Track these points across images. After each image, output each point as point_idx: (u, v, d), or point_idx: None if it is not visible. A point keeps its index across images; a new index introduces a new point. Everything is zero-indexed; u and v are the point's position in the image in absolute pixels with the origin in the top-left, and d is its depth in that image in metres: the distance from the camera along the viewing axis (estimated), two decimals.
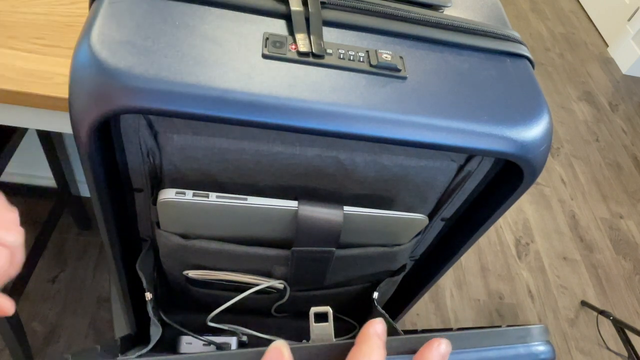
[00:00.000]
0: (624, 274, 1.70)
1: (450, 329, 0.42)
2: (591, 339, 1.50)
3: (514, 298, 1.55)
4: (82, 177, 1.36)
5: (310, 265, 0.52)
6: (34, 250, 1.20)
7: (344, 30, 0.43)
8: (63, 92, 0.60)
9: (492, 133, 0.40)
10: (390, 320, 0.52)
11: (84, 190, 1.40)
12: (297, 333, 0.70)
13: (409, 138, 0.39)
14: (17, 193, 1.35)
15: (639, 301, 1.63)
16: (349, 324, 0.72)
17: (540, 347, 0.33)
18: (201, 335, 0.60)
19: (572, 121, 2.23)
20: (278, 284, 0.55)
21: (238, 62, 0.37)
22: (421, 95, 0.40)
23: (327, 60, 0.40)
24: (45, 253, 1.28)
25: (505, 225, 1.75)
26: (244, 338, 0.63)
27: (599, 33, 2.84)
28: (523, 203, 1.83)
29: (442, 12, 0.48)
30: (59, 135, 1.20)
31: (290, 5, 0.42)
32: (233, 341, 0.62)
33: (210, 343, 0.61)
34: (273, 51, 0.39)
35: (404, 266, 0.60)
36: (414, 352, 0.30)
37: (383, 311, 0.55)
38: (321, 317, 0.34)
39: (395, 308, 0.73)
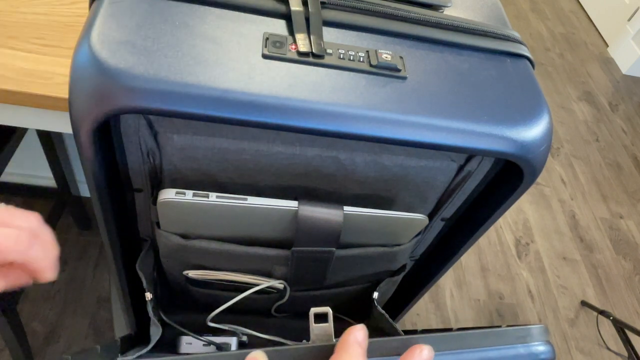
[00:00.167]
0: (624, 274, 1.70)
1: (450, 329, 0.42)
2: (591, 339, 1.50)
3: (514, 298, 1.55)
4: (82, 177, 1.36)
5: (310, 265, 0.52)
6: None
7: (344, 30, 0.43)
8: (63, 92, 0.60)
9: (492, 133, 0.40)
10: (390, 320, 0.52)
11: (84, 190, 1.40)
12: (297, 333, 0.70)
13: (409, 138, 0.39)
14: (17, 193, 1.35)
15: (639, 301, 1.63)
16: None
17: (540, 347, 0.34)
18: (201, 335, 0.60)
19: (572, 121, 2.23)
20: (278, 284, 0.55)
21: (238, 62, 0.37)
22: (421, 95, 0.40)
23: (327, 60, 0.40)
24: None
25: (505, 225, 1.75)
26: (244, 338, 0.63)
27: (599, 33, 2.84)
28: (523, 203, 1.83)
29: (442, 12, 0.48)
30: (59, 135, 1.20)
31: (290, 5, 0.42)
32: (233, 341, 0.62)
33: (210, 343, 0.61)
34: (273, 51, 0.39)
35: (404, 266, 0.60)
36: (398, 354, 0.30)
37: (383, 311, 0.55)
38: (321, 318, 0.34)
39: (395, 308, 0.73)
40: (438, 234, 0.61)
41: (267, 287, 0.55)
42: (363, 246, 0.52)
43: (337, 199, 0.49)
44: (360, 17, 0.44)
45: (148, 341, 0.51)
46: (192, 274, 0.54)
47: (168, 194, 0.43)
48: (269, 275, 0.55)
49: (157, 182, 0.47)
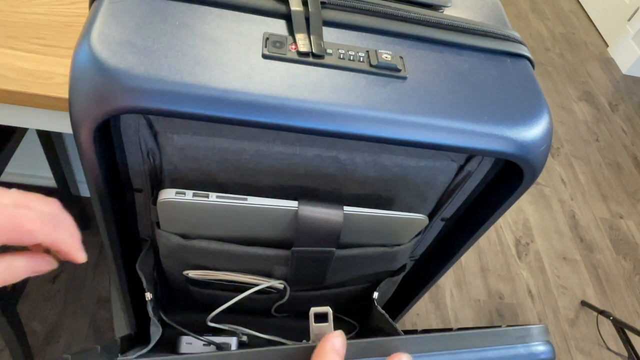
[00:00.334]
0: (624, 274, 1.70)
1: (450, 329, 0.42)
2: (591, 339, 1.50)
3: (514, 298, 1.55)
4: (82, 177, 1.36)
5: (310, 265, 0.52)
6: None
7: (344, 30, 0.43)
8: (63, 92, 0.60)
9: (492, 133, 0.40)
10: (390, 320, 0.52)
11: (84, 190, 1.40)
12: (297, 333, 0.70)
13: (409, 138, 0.39)
14: None
15: (639, 301, 1.63)
16: (349, 324, 0.72)
17: (540, 347, 0.34)
18: (201, 335, 0.60)
19: (572, 121, 2.23)
20: (278, 284, 0.55)
21: (238, 62, 0.37)
22: (421, 95, 0.40)
23: (327, 60, 0.40)
24: None
25: (505, 225, 1.75)
26: (244, 338, 0.63)
27: (599, 33, 2.84)
28: (523, 203, 1.83)
29: (442, 12, 0.48)
30: (59, 135, 1.20)
31: (290, 5, 0.42)
32: (233, 341, 0.62)
33: (210, 343, 0.60)
34: (273, 51, 0.39)
35: (404, 266, 0.60)
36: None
37: (383, 311, 0.55)
38: (321, 318, 0.34)
39: (395, 308, 0.73)
40: (438, 234, 0.61)
41: (267, 287, 0.55)
42: (363, 246, 0.52)
43: (337, 199, 0.49)
44: (360, 17, 0.44)
45: (148, 341, 0.51)
46: (192, 274, 0.54)
47: (168, 194, 0.43)
48: (269, 275, 0.55)
49: (157, 182, 0.47)
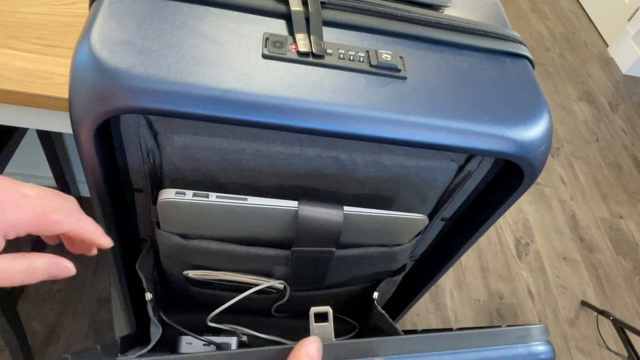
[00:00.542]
0: (624, 274, 1.70)
1: (450, 329, 0.42)
2: (591, 339, 1.50)
3: (514, 298, 1.55)
4: (82, 177, 1.36)
5: (310, 265, 0.52)
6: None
7: (344, 30, 0.43)
8: (63, 92, 0.60)
9: (492, 133, 0.40)
10: (390, 320, 0.52)
11: (84, 190, 1.40)
12: (297, 333, 0.70)
13: (409, 138, 0.39)
14: None
15: (639, 301, 1.63)
16: (349, 324, 0.72)
17: (540, 347, 0.34)
18: (201, 335, 0.60)
19: (572, 121, 2.23)
20: (278, 284, 0.55)
21: (238, 62, 0.37)
22: (421, 95, 0.40)
23: (327, 60, 0.40)
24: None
25: (505, 225, 1.75)
26: (244, 338, 0.63)
27: (599, 33, 2.84)
28: (523, 203, 1.83)
29: (442, 12, 0.48)
30: (59, 135, 1.20)
31: (290, 5, 0.42)
32: (233, 341, 0.62)
33: (210, 343, 0.60)
34: (273, 51, 0.39)
35: (404, 266, 0.60)
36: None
37: (383, 311, 0.55)
38: (321, 317, 0.34)
39: (395, 308, 0.73)
40: (438, 234, 0.61)
41: (267, 287, 0.55)
42: (363, 246, 0.52)
43: (337, 199, 0.49)
44: (360, 17, 0.44)
45: (148, 341, 0.51)
46: (192, 274, 0.54)
47: (168, 194, 0.43)
48: (269, 275, 0.55)
49: (157, 182, 0.47)
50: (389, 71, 0.40)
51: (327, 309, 0.34)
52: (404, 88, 0.40)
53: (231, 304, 0.51)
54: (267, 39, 0.39)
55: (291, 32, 0.41)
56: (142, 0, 0.39)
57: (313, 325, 0.34)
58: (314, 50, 0.39)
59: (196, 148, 0.42)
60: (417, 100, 0.40)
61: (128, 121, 0.41)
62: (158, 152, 0.43)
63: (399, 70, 0.41)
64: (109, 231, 0.47)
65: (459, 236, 0.57)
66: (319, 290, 0.60)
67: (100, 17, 0.37)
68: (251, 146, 0.43)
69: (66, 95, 0.37)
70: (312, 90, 0.37)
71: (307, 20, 0.41)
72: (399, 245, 0.53)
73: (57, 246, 0.39)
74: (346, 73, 0.40)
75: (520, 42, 0.48)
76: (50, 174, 1.26)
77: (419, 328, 1.38)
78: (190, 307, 0.65)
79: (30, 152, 1.23)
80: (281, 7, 0.42)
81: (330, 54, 0.40)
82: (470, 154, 0.46)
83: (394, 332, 0.52)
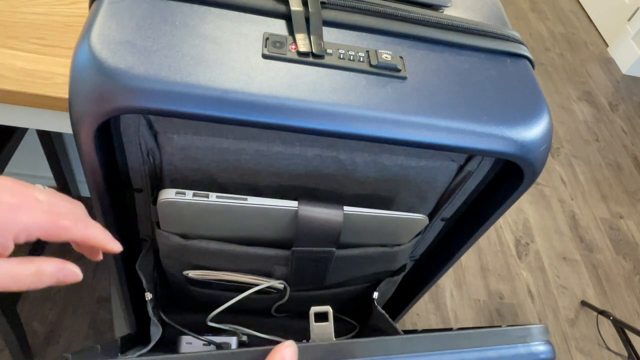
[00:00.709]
0: (624, 274, 1.70)
1: (450, 329, 0.42)
2: (591, 339, 1.50)
3: (514, 298, 1.55)
4: (82, 177, 1.36)
5: (310, 265, 0.52)
6: (34, 251, 1.20)
7: (344, 30, 0.43)
8: (63, 92, 0.60)
9: (492, 133, 0.40)
10: (390, 320, 0.52)
11: (84, 190, 1.40)
12: (297, 333, 0.70)
13: (409, 138, 0.39)
14: None
15: (639, 301, 1.63)
16: (349, 324, 0.72)
17: (540, 347, 0.34)
18: (201, 335, 0.60)
19: (572, 121, 2.23)
20: (278, 284, 0.55)
21: (238, 62, 0.37)
22: (421, 95, 0.40)
23: (327, 60, 0.40)
24: (45, 253, 1.28)
25: (505, 225, 1.75)
26: (244, 338, 0.63)
27: (599, 33, 2.84)
28: (523, 203, 1.83)
29: (442, 12, 0.48)
30: (59, 135, 1.20)
31: (290, 5, 0.42)
32: (233, 341, 0.62)
33: (210, 343, 0.61)
34: (273, 51, 0.39)
35: (404, 266, 0.60)
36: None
37: (383, 311, 0.55)
38: (321, 317, 0.34)
39: (395, 308, 0.73)
40: (438, 234, 0.61)
41: (267, 287, 0.55)
42: (363, 246, 0.52)
43: (337, 199, 0.49)
44: (360, 17, 0.44)
45: (148, 341, 0.51)
46: (192, 274, 0.54)
47: (168, 194, 0.43)
48: (269, 275, 0.55)
49: (157, 182, 0.47)
50: (389, 71, 0.40)
51: (327, 308, 0.34)
52: (404, 88, 0.40)
53: (231, 304, 0.51)
54: (267, 39, 0.39)
55: (291, 32, 0.41)
56: (142, 0, 0.39)
57: (313, 325, 0.34)
58: (314, 50, 0.39)
59: (196, 148, 0.42)
60: (417, 100, 0.40)
61: (128, 121, 0.41)
62: (158, 152, 0.43)
63: (399, 70, 0.41)
64: (108, 231, 0.47)
65: (459, 236, 0.57)
66: (319, 290, 0.60)
67: (100, 17, 0.37)
68: (251, 146, 0.43)
69: (66, 95, 0.37)
70: (312, 90, 0.37)
71: (307, 20, 0.41)
72: (399, 245, 0.53)
73: (58, 247, 0.39)
74: (346, 73, 0.40)
75: (520, 42, 0.48)
76: (50, 174, 1.26)
77: (419, 328, 1.38)
78: (190, 307, 0.65)
79: (30, 152, 1.23)
80: (281, 7, 0.42)
81: (330, 54, 0.40)
82: (470, 154, 0.46)
83: (394, 332, 0.52)
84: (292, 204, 0.45)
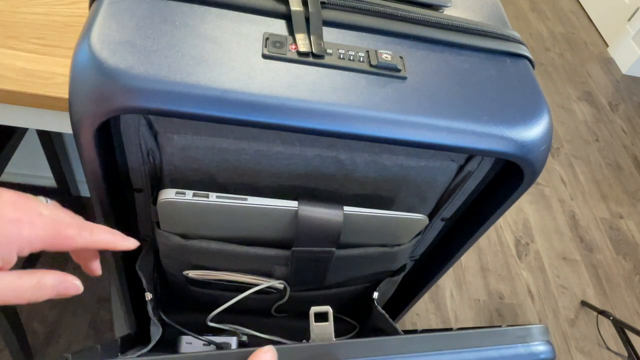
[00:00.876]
0: (624, 274, 1.70)
1: (450, 329, 0.42)
2: (591, 339, 1.50)
3: (514, 298, 1.55)
4: (82, 177, 1.36)
5: (310, 265, 0.52)
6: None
7: (344, 30, 0.43)
8: (63, 92, 0.60)
9: (492, 133, 0.40)
10: (390, 320, 0.52)
11: (84, 190, 1.40)
12: (297, 333, 0.70)
13: (409, 138, 0.39)
14: None
15: (639, 301, 1.63)
16: (349, 324, 0.72)
17: (540, 347, 0.34)
18: (201, 335, 0.60)
19: (572, 121, 2.23)
20: (278, 284, 0.55)
21: (238, 62, 0.37)
22: (421, 95, 0.40)
23: (327, 60, 0.40)
24: (45, 253, 1.28)
25: (505, 225, 1.75)
26: (244, 338, 0.63)
27: (599, 33, 2.84)
28: (523, 203, 1.83)
29: (442, 12, 0.48)
30: (59, 135, 1.20)
31: (290, 5, 0.42)
32: (233, 341, 0.62)
33: (210, 343, 0.61)
34: (273, 51, 0.39)
35: (404, 266, 0.60)
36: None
37: (383, 311, 0.55)
38: (321, 317, 0.34)
39: (395, 308, 0.73)
40: (438, 234, 0.61)
41: (267, 287, 0.55)
42: (363, 246, 0.52)
43: (337, 199, 0.49)
44: (360, 17, 0.44)
45: (148, 341, 0.51)
46: (192, 274, 0.54)
47: (168, 194, 0.43)
48: (269, 275, 0.55)
49: (157, 182, 0.47)
50: (389, 71, 0.40)
51: (327, 308, 0.34)
52: (404, 88, 0.40)
53: (231, 304, 0.51)
54: (267, 39, 0.39)
55: (291, 32, 0.41)
56: (142, 0, 0.39)
57: (313, 325, 0.34)
58: (314, 50, 0.39)
59: (196, 148, 0.42)
60: (417, 100, 0.40)
61: (128, 121, 0.41)
62: (158, 152, 0.43)
63: (399, 70, 0.41)
64: None
65: (459, 236, 0.57)
66: (319, 290, 0.60)
67: (100, 17, 0.37)
68: (251, 146, 0.43)
69: (66, 95, 0.37)
70: (312, 90, 0.37)
71: (307, 20, 0.41)
72: (399, 245, 0.53)
73: (55, 258, 0.39)
74: (346, 73, 0.40)
75: (520, 42, 0.48)
76: (50, 174, 1.26)
77: (419, 328, 1.38)
78: (190, 307, 0.65)
79: (30, 152, 1.23)
80: (281, 7, 0.42)
81: (330, 54, 0.40)
82: (470, 154, 0.46)
83: (394, 332, 0.52)
84: (292, 204, 0.45)
